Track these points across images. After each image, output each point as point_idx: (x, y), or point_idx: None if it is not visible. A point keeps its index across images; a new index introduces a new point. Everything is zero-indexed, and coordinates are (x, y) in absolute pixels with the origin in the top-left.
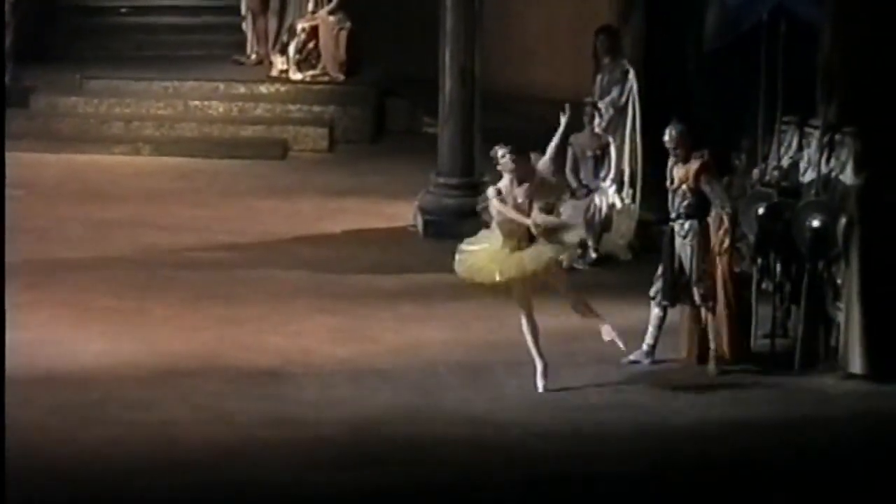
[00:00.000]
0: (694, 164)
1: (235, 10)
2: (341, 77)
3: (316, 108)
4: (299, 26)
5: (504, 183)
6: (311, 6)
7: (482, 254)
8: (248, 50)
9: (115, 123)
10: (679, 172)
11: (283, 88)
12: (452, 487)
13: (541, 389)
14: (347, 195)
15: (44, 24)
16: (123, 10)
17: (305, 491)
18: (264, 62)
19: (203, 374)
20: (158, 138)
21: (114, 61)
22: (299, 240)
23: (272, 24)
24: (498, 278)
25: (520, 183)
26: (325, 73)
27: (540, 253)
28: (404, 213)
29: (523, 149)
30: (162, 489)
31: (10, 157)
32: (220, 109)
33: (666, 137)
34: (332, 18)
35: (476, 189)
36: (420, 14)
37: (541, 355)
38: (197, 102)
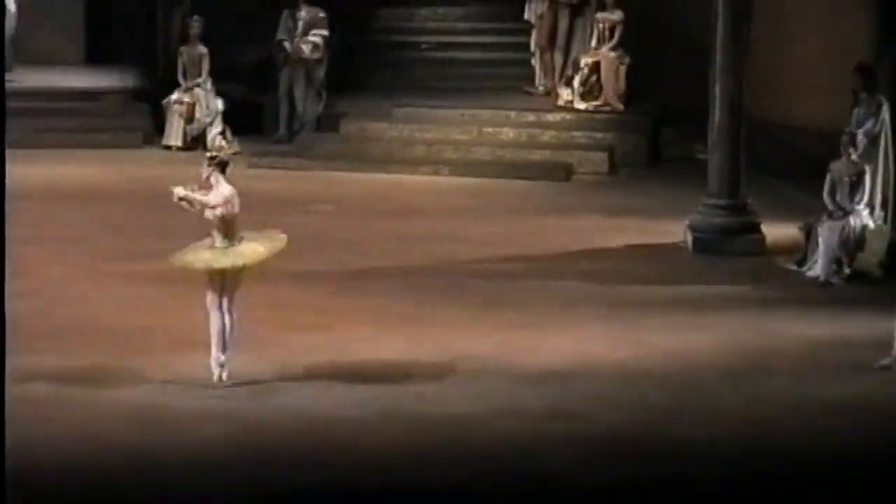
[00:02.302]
0: None
1: (525, 46)
2: (621, 107)
3: (597, 135)
4: (583, 61)
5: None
6: (593, 43)
7: (201, 247)
8: (537, 82)
9: (418, 147)
10: None
11: (567, 117)
12: (723, 482)
13: (215, 380)
14: (624, 214)
15: (357, 58)
16: (426, 46)
17: (586, 481)
18: (551, 93)
19: (494, 373)
20: (456, 160)
21: (418, 91)
22: (581, 254)
23: (558, 59)
24: (189, 264)
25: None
26: (606, 104)
27: (252, 248)
28: (676, 231)
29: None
30: (454, 479)
31: (321, 175)
32: (511, 135)
33: None
34: (612, 54)
35: (742, 210)
36: (692, 51)
37: (220, 348)
38: (490, 129)
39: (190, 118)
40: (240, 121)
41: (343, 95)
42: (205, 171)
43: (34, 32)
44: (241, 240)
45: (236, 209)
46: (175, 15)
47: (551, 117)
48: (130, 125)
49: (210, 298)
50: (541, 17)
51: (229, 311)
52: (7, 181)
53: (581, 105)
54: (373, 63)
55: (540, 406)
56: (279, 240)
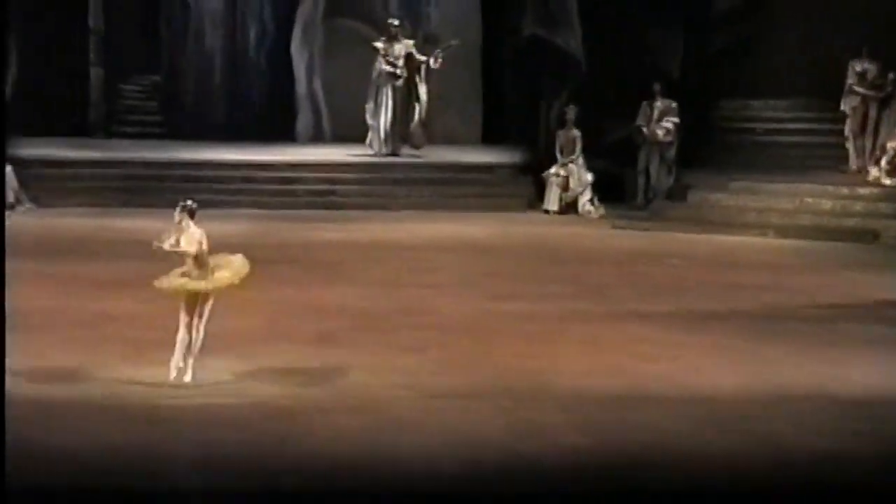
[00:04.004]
0: None
1: (840, 132)
2: None
3: None
4: (889, 145)
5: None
6: None
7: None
8: (850, 162)
9: (750, 213)
10: None
11: (875, 191)
12: None
13: (171, 378)
14: None
15: (701, 140)
16: (759, 130)
17: None
18: (862, 171)
19: (810, 401)
20: (781, 225)
21: (751, 168)
22: (886, 303)
23: (868, 143)
24: (163, 286)
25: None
26: None
27: (221, 276)
28: None
29: None
30: (774, 487)
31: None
32: (828, 205)
33: None
34: None
35: None
36: None
37: (182, 355)
38: (810, 199)
39: (565, 188)
40: (606, 190)
41: (690, 171)
42: (177, 216)
43: (440, 117)
44: (212, 271)
45: (205, 247)
46: (555, 104)
47: (862, 191)
48: (517, 193)
49: (182, 316)
50: (854, 109)
51: (198, 328)
52: (415, 236)
53: (887, 181)
54: (714, 145)
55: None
56: (243, 267)
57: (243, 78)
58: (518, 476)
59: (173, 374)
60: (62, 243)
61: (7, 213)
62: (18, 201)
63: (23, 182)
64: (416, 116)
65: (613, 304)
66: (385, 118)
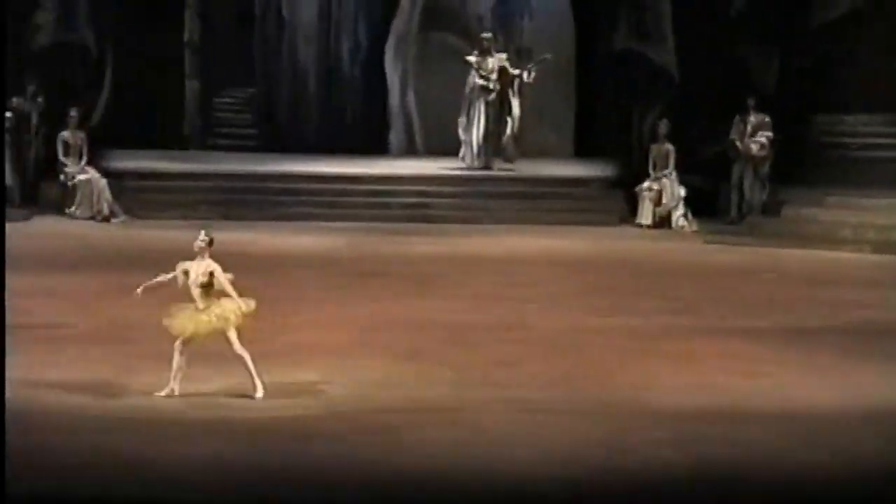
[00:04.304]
0: None
1: None
2: None
3: None
4: None
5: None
6: None
7: (186, 315)
8: None
9: (846, 229)
10: None
11: None
12: None
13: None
14: None
15: (795, 155)
16: (854, 145)
17: None
18: None
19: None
20: (877, 241)
21: (845, 183)
22: None
23: None
24: (183, 332)
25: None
26: None
27: (220, 313)
28: None
29: None
30: None
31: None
32: None
33: None
34: None
35: None
36: None
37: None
38: None
39: (658, 202)
40: (699, 205)
41: (784, 186)
42: (198, 245)
43: (533, 131)
44: (218, 300)
45: (218, 278)
46: (648, 118)
47: None
48: (609, 207)
49: (177, 344)
50: None
51: (238, 353)
52: (508, 250)
53: None
54: (809, 160)
55: None
56: (248, 306)
57: (337, 91)
58: (611, 492)
59: (164, 392)
60: (157, 255)
61: (101, 224)
62: (113, 213)
63: (117, 194)
64: (509, 130)
65: (707, 320)
66: (478, 132)
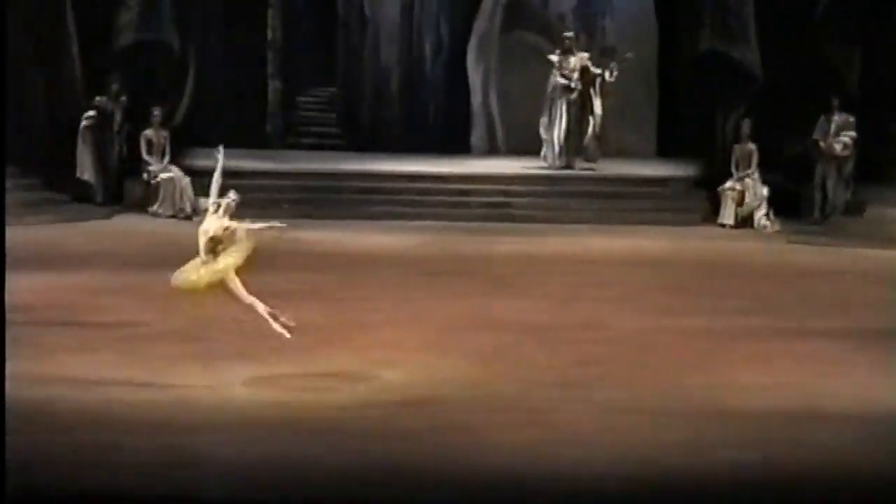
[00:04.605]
0: None
1: None
2: None
3: None
4: None
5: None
6: None
7: (190, 267)
8: None
9: None
10: None
11: None
12: None
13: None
14: None
15: (879, 155)
16: None
17: None
18: None
19: None
20: None
21: None
22: None
23: None
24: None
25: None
26: None
27: (225, 261)
28: None
29: None
30: None
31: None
32: None
33: None
34: None
35: None
36: None
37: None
38: None
39: (740, 202)
40: (781, 205)
41: (867, 186)
42: (212, 205)
43: (615, 131)
44: (219, 253)
45: (232, 231)
46: (731, 118)
47: None
48: (691, 207)
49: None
50: None
51: (247, 303)
52: (589, 250)
53: None
54: (892, 159)
55: None
56: (247, 247)
57: (419, 90)
58: (684, 493)
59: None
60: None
61: (183, 222)
62: (195, 212)
63: (199, 193)
64: (591, 130)
65: (786, 320)
66: (559, 131)
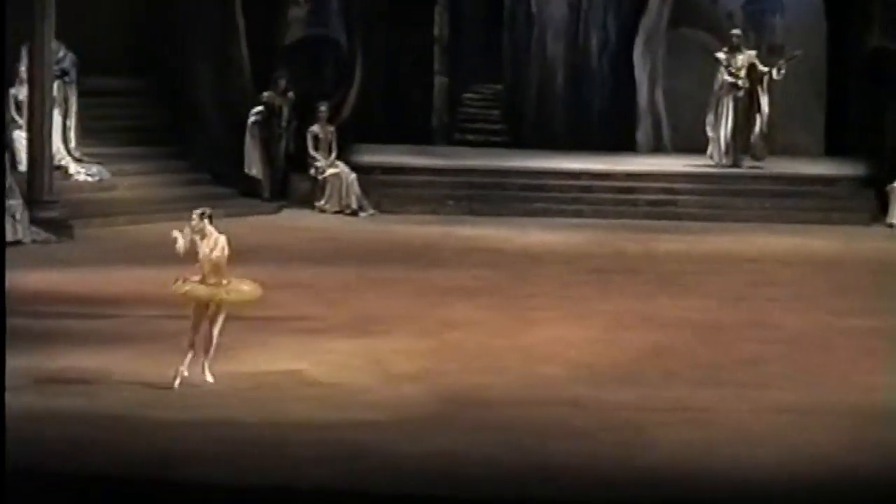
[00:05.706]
0: None
1: None
2: None
3: None
4: None
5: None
6: None
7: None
8: None
9: None
10: None
11: None
12: None
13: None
14: None
15: None
16: None
17: None
18: None
19: None
20: None
21: None
22: None
23: None
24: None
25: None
26: None
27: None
28: None
29: None
30: None
31: None
32: None
33: None
34: None
35: None
36: None
37: (192, 349)
38: None
39: None
40: None
41: None
42: (195, 221)
43: (782, 129)
44: (228, 282)
45: (226, 254)
46: None
47: None
48: (859, 207)
49: (193, 321)
50: None
51: (211, 333)
52: (756, 249)
53: None
54: None
55: None
56: (256, 290)
57: (585, 87)
58: (852, 493)
59: (177, 382)
60: (403, 250)
61: (349, 218)
62: (361, 208)
63: (365, 188)
64: (758, 128)
65: None
66: (726, 129)
